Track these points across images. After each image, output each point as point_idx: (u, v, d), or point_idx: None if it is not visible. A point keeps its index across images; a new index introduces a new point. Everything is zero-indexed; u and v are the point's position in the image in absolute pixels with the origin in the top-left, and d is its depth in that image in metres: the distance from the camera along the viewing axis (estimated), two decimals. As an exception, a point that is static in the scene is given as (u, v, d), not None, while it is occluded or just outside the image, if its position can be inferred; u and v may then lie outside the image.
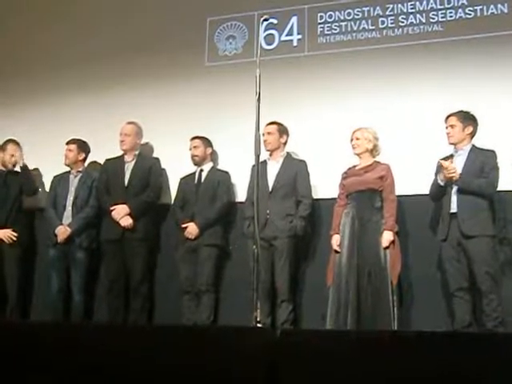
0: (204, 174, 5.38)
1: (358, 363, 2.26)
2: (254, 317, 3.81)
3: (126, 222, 5.22)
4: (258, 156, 4.07)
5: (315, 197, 5.15)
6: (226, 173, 5.40)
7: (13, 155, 5.71)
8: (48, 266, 5.49)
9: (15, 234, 5.50)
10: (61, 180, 5.62)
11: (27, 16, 6.47)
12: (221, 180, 5.34)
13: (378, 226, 4.65)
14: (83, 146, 5.64)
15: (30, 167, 5.77)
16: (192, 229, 5.15)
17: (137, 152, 5.51)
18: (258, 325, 3.77)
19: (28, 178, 5.70)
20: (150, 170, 5.44)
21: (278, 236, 4.90)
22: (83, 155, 5.64)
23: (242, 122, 4.96)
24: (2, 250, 5.52)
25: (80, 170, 5.61)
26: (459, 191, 4.56)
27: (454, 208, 4.57)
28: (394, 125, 5.12)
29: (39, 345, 2.61)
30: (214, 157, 5.52)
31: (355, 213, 4.73)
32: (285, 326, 4.81)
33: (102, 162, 5.68)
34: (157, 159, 5.54)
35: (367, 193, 4.76)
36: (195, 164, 5.41)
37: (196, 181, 5.37)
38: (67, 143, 5.61)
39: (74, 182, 5.57)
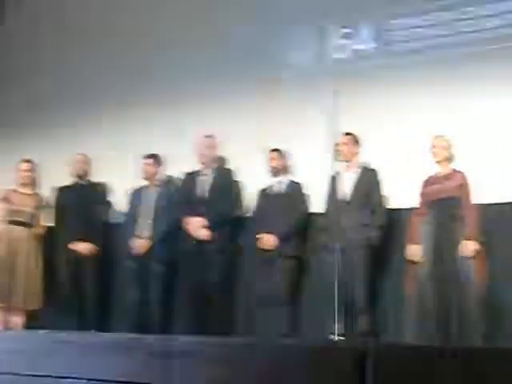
0: (281, 186, 5.39)
1: (452, 380, 2.18)
2: (333, 329, 3.81)
3: (202, 233, 5.28)
4: (333, 167, 4.08)
5: (389, 207, 5.08)
6: (301, 184, 5.38)
7: (82, 167, 5.89)
8: (126, 279, 5.59)
9: (94, 247, 5.64)
10: (138, 193, 5.74)
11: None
12: (297, 191, 5.34)
13: (459, 234, 4.55)
14: (160, 160, 5.75)
15: (104, 180, 5.95)
16: (268, 240, 5.16)
17: (214, 165, 5.57)
18: (339, 337, 3.77)
19: (102, 192, 5.88)
20: (226, 182, 5.49)
21: (353, 246, 4.84)
22: (160, 169, 5.75)
23: (318, 133, 4.99)
24: (81, 262, 5.65)
25: (157, 183, 5.71)
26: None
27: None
28: (476, 131, 4.98)
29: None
30: (290, 168, 5.51)
31: (436, 221, 4.65)
32: (364, 338, 4.76)
33: (176, 175, 5.76)
34: (233, 171, 5.58)
35: (448, 201, 4.67)
36: (273, 175, 5.43)
37: (273, 192, 5.38)
38: (144, 157, 5.73)
39: (151, 195, 5.67)
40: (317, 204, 5.23)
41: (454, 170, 4.78)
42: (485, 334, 4.35)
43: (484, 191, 4.69)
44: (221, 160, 5.69)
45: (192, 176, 5.58)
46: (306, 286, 5.26)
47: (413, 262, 4.67)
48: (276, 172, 5.42)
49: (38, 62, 7.00)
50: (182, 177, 5.67)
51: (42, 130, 6.66)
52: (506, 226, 4.82)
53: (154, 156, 5.72)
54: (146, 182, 5.75)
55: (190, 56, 6.19)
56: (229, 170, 5.64)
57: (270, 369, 2.36)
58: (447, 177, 4.76)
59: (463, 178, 4.69)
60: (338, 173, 5.05)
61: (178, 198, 5.57)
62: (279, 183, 5.40)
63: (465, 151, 4.82)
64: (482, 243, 4.54)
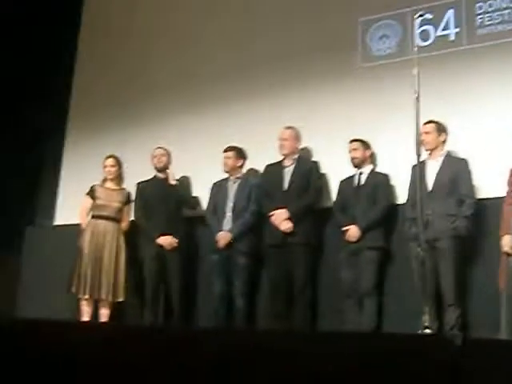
0: (363, 177, 5.32)
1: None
2: (421, 322, 3.72)
3: (285, 226, 5.26)
4: (418, 156, 3.99)
5: (479, 196, 4.93)
6: (386, 175, 5.31)
7: (160, 159, 5.94)
8: (210, 272, 5.63)
9: (177, 241, 5.70)
10: (220, 187, 5.76)
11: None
12: (380, 182, 5.26)
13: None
14: (241, 153, 5.76)
15: (186, 175, 6.06)
16: (353, 231, 5.11)
17: (296, 156, 5.53)
18: (426, 330, 3.68)
19: (184, 186, 5.97)
20: (309, 174, 5.45)
21: (439, 237, 4.73)
22: (241, 162, 5.76)
23: (401, 122, 4.89)
24: (164, 256, 5.71)
25: (238, 176, 5.73)
26: None
27: None
28: None
29: (198, 350, 2.64)
30: (373, 159, 5.44)
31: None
32: (453, 332, 4.64)
33: (259, 168, 5.76)
34: (316, 162, 5.54)
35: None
36: (355, 166, 5.36)
37: (356, 183, 5.32)
38: (225, 151, 5.74)
39: (232, 188, 5.69)
40: (402, 194, 5.15)
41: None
42: None
43: None
44: (303, 151, 5.66)
45: (273, 168, 5.57)
46: (392, 278, 5.18)
47: (507, 254, 4.52)
48: (357, 163, 5.35)
49: (120, 58, 7.12)
50: (264, 169, 5.67)
51: (124, 125, 6.78)
52: None
53: (234, 149, 5.73)
54: (227, 175, 5.77)
55: (271, 47, 6.18)
56: (311, 161, 5.61)
57: (360, 362, 2.33)
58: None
59: None
60: (420, 162, 4.94)
61: (260, 190, 5.57)
62: (361, 174, 5.34)
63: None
64: None
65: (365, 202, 5.20)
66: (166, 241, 5.69)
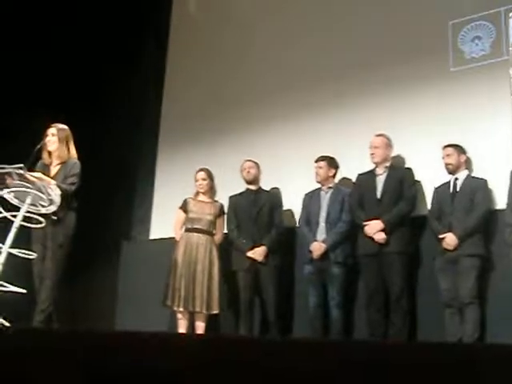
0: (459, 183, 5.17)
1: None
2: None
3: (379, 237, 5.18)
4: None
5: None
6: (483, 180, 5.13)
7: (249, 172, 5.97)
8: (305, 283, 5.59)
9: (266, 252, 5.69)
10: (312, 197, 5.73)
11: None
12: (477, 187, 5.09)
13: None
14: (332, 163, 5.72)
15: (276, 185, 6.06)
16: (450, 239, 4.97)
17: (388, 164, 5.45)
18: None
19: (275, 197, 6.00)
20: (402, 182, 5.35)
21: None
22: (333, 171, 5.71)
23: (497, 126, 4.74)
24: (257, 269, 5.71)
25: (331, 185, 5.69)
26: None
27: None
28: None
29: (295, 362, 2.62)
30: (468, 164, 5.28)
31: None
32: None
33: (351, 177, 5.71)
34: (409, 169, 5.44)
35: None
36: (449, 173, 5.22)
37: (451, 190, 5.17)
38: (316, 161, 5.72)
39: (325, 198, 5.65)
40: (502, 199, 4.98)
41: None
42: None
43: None
44: (395, 159, 5.57)
45: (366, 177, 5.50)
46: (495, 286, 4.99)
47: None
48: (452, 169, 5.20)
49: (209, 70, 7.22)
50: (356, 178, 5.61)
51: (215, 138, 6.86)
52: None
53: (326, 158, 5.70)
54: (319, 185, 5.73)
55: (361, 54, 6.12)
56: (404, 169, 5.51)
57: (465, 372, 2.25)
58: None
59: None
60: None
61: (352, 199, 5.51)
62: (457, 180, 5.19)
63: None
64: None
65: (461, 209, 5.06)
66: (259, 252, 5.70)
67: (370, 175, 5.48)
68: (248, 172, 6.01)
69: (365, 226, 5.25)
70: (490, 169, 5.17)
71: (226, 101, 6.92)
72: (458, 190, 5.15)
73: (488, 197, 5.09)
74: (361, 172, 5.57)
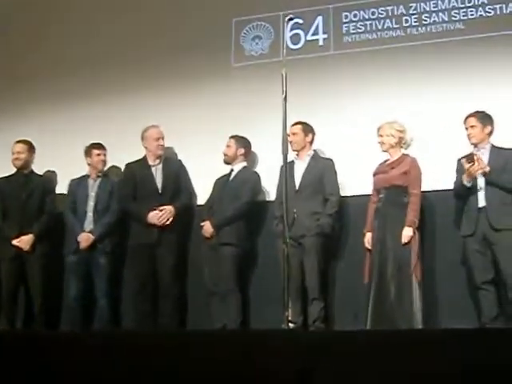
0: (233, 174, 5.39)
1: (386, 363, 2.23)
2: (285, 316, 3.83)
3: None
4: (285, 156, 4.08)
5: (343, 194, 5.15)
6: (255, 173, 5.40)
7: (17, 158, 5.60)
8: (67, 272, 5.47)
9: (35, 240, 5.43)
10: (79, 184, 5.58)
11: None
12: (246, 179, 5.33)
13: (401, 221, 4.67)
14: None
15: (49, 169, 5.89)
16: (206, 227, 5.19)
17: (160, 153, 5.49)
18: (290, 324, 3.78)
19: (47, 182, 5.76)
20: (178, 174, 5.47)
21: (305, 234, 4.91)
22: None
23: (269, 122, 4.99)
24: (24, 257, 5.42)
25: (99, 174, 5.59)
26: (488, 185, 4.58)
27: (481, 202, 4.58)
28: (418, 122, 5.06)
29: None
30: (248, 157, 5.50)
31: (382, 209, 4.77)
32: (316, 324, 4.82)
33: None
34: (180, 161, 5.59)
35: (392, 189, 4.77)
36: (225, 163, 5.43)
37: (226, 180, 5.39)
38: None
39: (93, 186, 5.53)
40: (273, 192, 5.28)
41: (405, 156, 4.88)
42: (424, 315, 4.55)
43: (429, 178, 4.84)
44: (168, 150, 5.65)
45: (138, 166, 5.50)
46: (258, 274, 5.31)
47: (368, 250, 4.78)
48: (227, 160, 5.41)
49: None
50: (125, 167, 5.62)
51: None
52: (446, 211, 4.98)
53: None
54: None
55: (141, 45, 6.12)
56: (176, 160, 5.64)
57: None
58: (393, 165, 4.86)
59: (412, 163, 4.80)
60: (289, 162, 5.06)
61: (124, 189, 5.51)
62: (232, 171, 5.40)
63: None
64: (417, 228, 4.68)
65: (227, 199, 5.27)
66: (23, 240, 5.41)
67: (144, 165, 5.47)
68: (16, 159, 5.61)
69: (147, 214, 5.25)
70: (264, 163, 5.48)
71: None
72: (231, 179, 5.37)
73: (254, 188, 5.34)
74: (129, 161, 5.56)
